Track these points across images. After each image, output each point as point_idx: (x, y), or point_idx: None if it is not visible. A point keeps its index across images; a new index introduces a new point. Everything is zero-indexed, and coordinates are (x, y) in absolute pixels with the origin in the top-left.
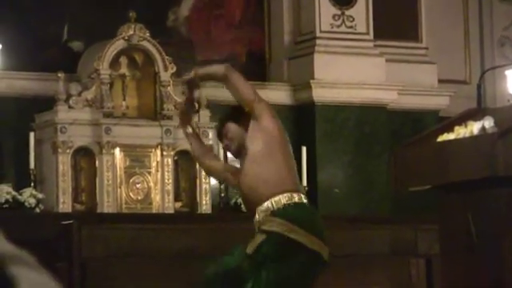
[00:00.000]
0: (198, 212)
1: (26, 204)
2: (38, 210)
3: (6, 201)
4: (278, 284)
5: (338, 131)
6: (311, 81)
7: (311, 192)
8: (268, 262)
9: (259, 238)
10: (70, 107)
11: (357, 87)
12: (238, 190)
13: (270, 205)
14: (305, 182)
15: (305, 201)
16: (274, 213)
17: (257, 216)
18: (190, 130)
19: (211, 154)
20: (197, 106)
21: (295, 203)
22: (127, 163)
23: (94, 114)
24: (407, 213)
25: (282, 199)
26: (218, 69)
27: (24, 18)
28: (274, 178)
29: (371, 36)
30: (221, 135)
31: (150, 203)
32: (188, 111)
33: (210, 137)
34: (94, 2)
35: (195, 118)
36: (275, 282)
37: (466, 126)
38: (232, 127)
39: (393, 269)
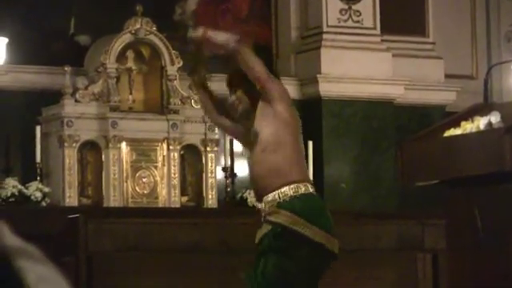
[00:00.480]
0: (204, 206)
1: (32, 198)
2: (44, 204)
3: (12, 194)
4: (278, 276)
5: (345, 126)
6: (318, 75)
7: (318, 187)
8: (270, 253)
9: (264, 229)
10: (76, 101)
11: (363, 82)
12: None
13: (276, 196)
14: (311, 177)
15: (311, 190)
16: (280, 205)
17: (263, 205)
18: (197, 76)
19: (221, 108)
20: (207, 56)
21: (302, 194)
22: (133, 157)
23: (100, 108)
24: (414, 208)
25: (289, 191)
26: (228, 40)
27: (31, 12)
28: (282, 168)
29: (378, 31)
30: (231, 87)
31: (156, 197)
32: (196, 57)
33: (217, 131)
34: None
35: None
36: (274, 274)
37: (472, 121)
38: (240, 93)
39: (399, 264)
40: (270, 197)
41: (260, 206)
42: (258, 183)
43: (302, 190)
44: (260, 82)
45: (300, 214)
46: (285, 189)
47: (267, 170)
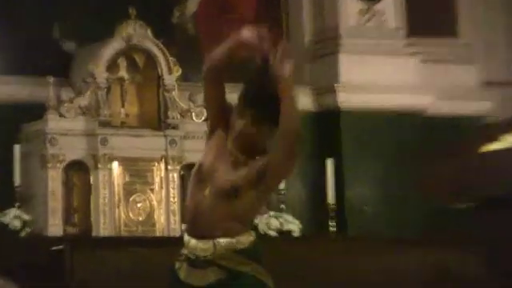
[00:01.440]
0: None
1: (11, 226)
2: (23, 234)
3: None
4: None
5: (368, 141)
6: (336, 84)
7: (338, 210)
8: None
9: (213, 274)
10: (61, 115)
11: (388, 91)
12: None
13: (234, 242)
14: (331, 199)
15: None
16: (241, 252)
17: (210, 246)
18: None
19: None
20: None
21: (255, 238)
22: (126, 179)
23: (88, 124)
24: (446, 232)
25: (246, 239)
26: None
27: (10, 16)
28: (241, 216)
29: (404, 33)
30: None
31: (153, 225)
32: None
33: None
34: None
35: None
36: None
37: None
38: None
39: None
40: (224, 241)
41: (201, 244)
42: (210, 223)
43: (254, 234)
44: (286, 156)
45: (261, 261)
46: (242, 237)
47: (224, 213)
